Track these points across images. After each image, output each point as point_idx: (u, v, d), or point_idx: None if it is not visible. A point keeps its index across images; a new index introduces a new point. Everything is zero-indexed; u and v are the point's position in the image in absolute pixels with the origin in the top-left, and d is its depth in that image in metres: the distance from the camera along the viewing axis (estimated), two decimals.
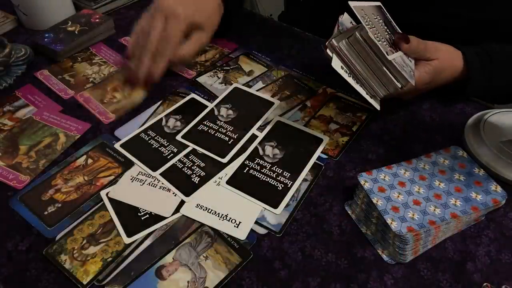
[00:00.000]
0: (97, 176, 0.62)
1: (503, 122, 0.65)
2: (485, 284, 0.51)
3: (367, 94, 0.61)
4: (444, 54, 0.65)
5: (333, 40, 0.60)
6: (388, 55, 0.58)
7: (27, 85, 0.78)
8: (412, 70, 0.61)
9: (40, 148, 0.66)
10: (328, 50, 0.60)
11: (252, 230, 0.55)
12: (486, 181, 0.57)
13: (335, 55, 0.60)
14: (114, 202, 0.58)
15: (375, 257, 0.53)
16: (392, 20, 0.64)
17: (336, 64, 0.59)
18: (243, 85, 0.77)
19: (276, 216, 0.57)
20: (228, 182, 0.61)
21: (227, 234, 0.55)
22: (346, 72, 0.60)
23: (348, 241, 0.55)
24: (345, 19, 0.66)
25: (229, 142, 0.66)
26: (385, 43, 0.60)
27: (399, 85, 0.60)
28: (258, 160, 0.64)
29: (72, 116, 0.72)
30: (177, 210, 0.57)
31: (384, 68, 0.59)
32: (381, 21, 0.62)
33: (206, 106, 0.73)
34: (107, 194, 0.59)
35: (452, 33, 0.69)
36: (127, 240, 0.54)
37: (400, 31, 0.64)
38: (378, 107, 0.62)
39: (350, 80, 0.60)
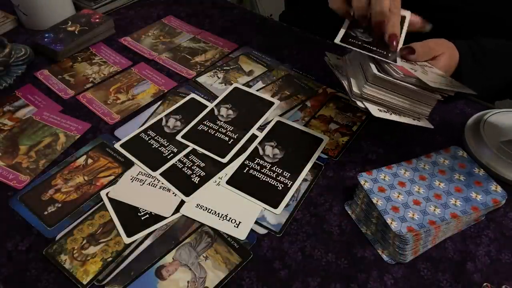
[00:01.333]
0: (97, 176, 0.62)
1: (503, 122, 0.65)
2: (485, 284, 0.51)
3: (414, 120, 0.59)
4: (444, 45, 0.65)
5: (354, 89, 0.58)
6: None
7: (27, 85, 0.78)
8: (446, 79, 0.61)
9: (40, 148, 0.66)
10: (358, 102, 0.58)
11: (252, 230, 0.55)
12: (486, 181, 0.57)
13: (366, 102, 0.58)
14: (114, 202, 0.58)
15: (375, 257, 0.53)
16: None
17: (374, 110, 0.57)
18: (243, 85, 0.77)
19: (276, 216, 0.57)
20: (228, 182, 0.61)
21: (227, 234, 0.55)
22: (386, 112, 0.58)
23: (348, 241, 0.55)
24: (331, 58, 0.65)
25: (229, 142, 0.66)
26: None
27: (439, 96, 0.58)
28: (258, 160, 0.64)
29: (72, 116, 0.72)
30: (177, 210, 0.57)
31: (416, 88, 0.57)
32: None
33: (206, 106, 0.73)
34: (107, 194, 0.59)
35: (447, 27, 0.69)
36: (127, 240, 0.54)
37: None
38: (430, 125, 0.60)
39: (394, 117, 0.58)
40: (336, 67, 0.64)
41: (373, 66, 0.58)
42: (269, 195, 0.59)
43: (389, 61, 0.58)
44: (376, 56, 0.58)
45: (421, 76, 0.56)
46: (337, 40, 0.59)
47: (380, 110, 0.58)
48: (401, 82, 0.56)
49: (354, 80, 0.60)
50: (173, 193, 0.60)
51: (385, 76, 0.56)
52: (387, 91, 0.58)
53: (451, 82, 0.60)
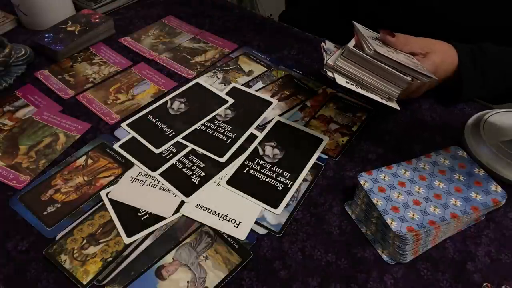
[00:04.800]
0: (97, 177, 0.62)
1: (503, 122, 0.65)
2: (485, 284, 0.51)
3: (382, 98, 0.61)
4: (436, 45, 0.66)
5: (328, 61, 0.61)
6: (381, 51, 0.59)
7: (27, 85, 0.78)
8: (423, 67, 0.62)
9: (40, 148, 0.66)
10: (328, 72, 0.61)
11: (252, 230, 0.55)
12: (486, 181, 0.57)
13: (336, 73, 0.61)
14: (114, 202, 0.58)
15: (375, 257, 0.53)
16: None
17: (341, 80, 0.60)
18: (242, 85, 0.77)
19: (276, 216, 0.57)
20: (228, 182, 0.61)
21: (227, 234, 0.55)
22: (353, 85, 0.60)
23: (348, 241, 0.55)
24: (328, 45, 0.67)
25: (227, 142, 0.66)
26: (381, 47, 0.61)
27: (409, 78, 0.59)
28: (258, 160, 0.64)
29: (72, 116, 0.72)
30: (177, 210, 0.57)
31: (386, 66, 0.59)
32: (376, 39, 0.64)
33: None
34: (107, 194, 0.59)
35: (448, 39, 0.69)
36: (127, 240, 0.54)
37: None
38: (397, 107, 0.61)
39: (360, 91, 0.60)
40: (328, 50, 0.65)
41: (352, 42, 0.62)
42: (269, 195, 0.59)
43: (369, 40, 0.60)
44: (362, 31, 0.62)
45: (393, 56, 0.59)
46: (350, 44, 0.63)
47: (348, 82, 0.61)
48: (372, 59, 0.59)
49: (333, 56, 0.63)
50: (173, 193, 0.59)
51: (358, 51, 0.59)
52: (358, 67, 0.61)
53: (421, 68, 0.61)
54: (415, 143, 0.67)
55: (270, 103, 0.73)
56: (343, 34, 0.67)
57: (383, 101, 0.61)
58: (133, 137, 0.67)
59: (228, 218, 0.56)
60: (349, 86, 0.60)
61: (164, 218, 0.56)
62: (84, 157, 0.65)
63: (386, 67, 0.59)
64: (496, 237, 0.55)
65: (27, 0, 0.88)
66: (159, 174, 0.62)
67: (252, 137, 0.67)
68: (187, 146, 0.66)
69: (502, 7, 0.70)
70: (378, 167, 0.58)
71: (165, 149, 0.65)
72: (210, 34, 0.91)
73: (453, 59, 0.66)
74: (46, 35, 0.85)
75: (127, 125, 0.69)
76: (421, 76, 0.59)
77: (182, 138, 0.67)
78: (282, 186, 0.60)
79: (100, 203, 0.58)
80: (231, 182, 0.61)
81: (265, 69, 0.81)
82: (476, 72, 0.66)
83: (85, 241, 0.54)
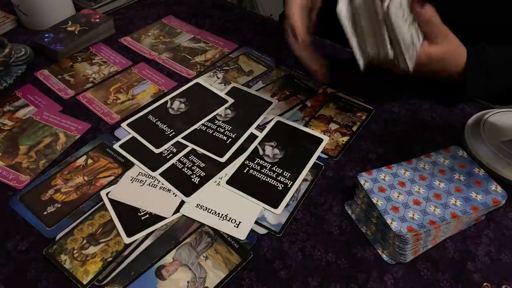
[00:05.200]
0: (97, 177, 0.62)
1: (503, 122, 0.65)
2: (485, 284, 0.51)
3: (357, 47, 0.58)
4: (451, 45, 0.64)
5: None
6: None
7: (27, 85, 0.78)
8: (417, 51, 0.60)
9: (40, 148, 0.66)
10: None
11: (252, 230, 0.55)
12: (486, 181, 0.57)
13: (346, 2, 0.57)
14: (114, 202, 0.58)
15: (375, 257, 0.53)
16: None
17: (342, 7, 0.56)
18: (242, 85, 0.78)
19: (276, 216, 0.57)
20: (228, 182, 0.61)
21: (227, 234, 0.55)
22: (349, 22, 0.57)
23: (348, 241, 0.55)
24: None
25: (227, 142, 0.66)
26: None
27: (391, 53, 0.57)
28: (258, 160, 0.64)
29: (72, 116, 0.72)
30: (177, 210, 0.57)
31: (385, 33, 0.56)
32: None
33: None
34: (107, 194, 0.59)
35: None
36: (127, 240, 0.54)
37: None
38: (362, 65, 0.59)
39: (348, 29, 0.57)
40: None
41: None
42: (269, 195, 0.59)
43: None
44: None
45: (401, 25, 0.56)
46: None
47: (345, 17, 0.57)
48: (378, 12, 0.55)
49: None
50: (173, 193, 0.59)
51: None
52: (366, 11, 0.56)
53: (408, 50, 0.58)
54: (415, 143, 0.67)
55: (270, 103, 0.73)
56: (343, 34, 0.67)
57: (356, 50, 0.58)
58: (133, 137, 0.68)
59: (228, 218, 0.56)
60: (344, 18, 0.56)
61: (164, 218, 0.57)
62: (84, 157, 0.65)
63: (384, 29, 0.56)
64: (496, 237, 0.55)
65: (27, 0, 0.88)
66: (159, 174, 0.62)
67: (252, 137, 0.67)
68: (187, 146, 0.66)
69: (502, 6, 0.70)
70: (378, 167, 0.58)
71: (165, 149, 0.65)
72: (210, 34, 0.91)
73: (455, 64, 0.65)
74: (46, 35, 0.85)
75: (127, 125, 0.69)
76: (402, 60, 0.58)
77: (182, 138, 0.67)
78: (282, 186, 0.60)
79: (100, 203, 0.58)
80: (231, 182, 0.61)
81: (265, 69, 0.81)
82: (481, 71, 0.66)
83: (85, 241, 0.54)
